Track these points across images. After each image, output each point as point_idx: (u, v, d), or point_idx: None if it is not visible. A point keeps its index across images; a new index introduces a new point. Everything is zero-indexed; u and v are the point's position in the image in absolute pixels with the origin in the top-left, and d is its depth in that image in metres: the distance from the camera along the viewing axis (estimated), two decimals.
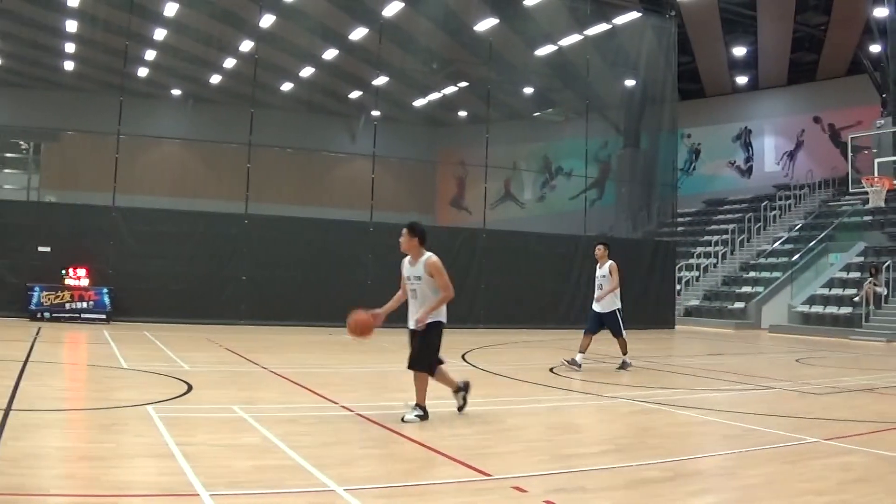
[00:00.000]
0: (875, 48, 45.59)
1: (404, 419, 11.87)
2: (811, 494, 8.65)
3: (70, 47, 44.68)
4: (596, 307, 20.44)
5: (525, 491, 8.35)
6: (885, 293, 36.83)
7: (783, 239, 47.13)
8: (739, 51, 49.35)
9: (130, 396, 13.80)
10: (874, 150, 40.92)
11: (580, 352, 19.88)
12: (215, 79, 47.90)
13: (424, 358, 12.40)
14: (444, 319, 12.56)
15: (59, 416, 11.80)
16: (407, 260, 12.72)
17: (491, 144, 38.02)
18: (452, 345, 24.77)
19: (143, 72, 46.62)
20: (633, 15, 40.99)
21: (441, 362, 12.61)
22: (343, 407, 13.02)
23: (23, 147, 57.65)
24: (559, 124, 54.31)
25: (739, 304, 42.18)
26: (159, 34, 40.38)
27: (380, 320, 12.50)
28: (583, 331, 20.46)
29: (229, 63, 44.25)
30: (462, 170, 55.10)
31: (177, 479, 8.40)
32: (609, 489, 8.70)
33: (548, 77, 47.79)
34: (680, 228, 52.93)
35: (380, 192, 36.44)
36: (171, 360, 19.13)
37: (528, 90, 50.20)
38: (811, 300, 39.96)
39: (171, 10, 36.73)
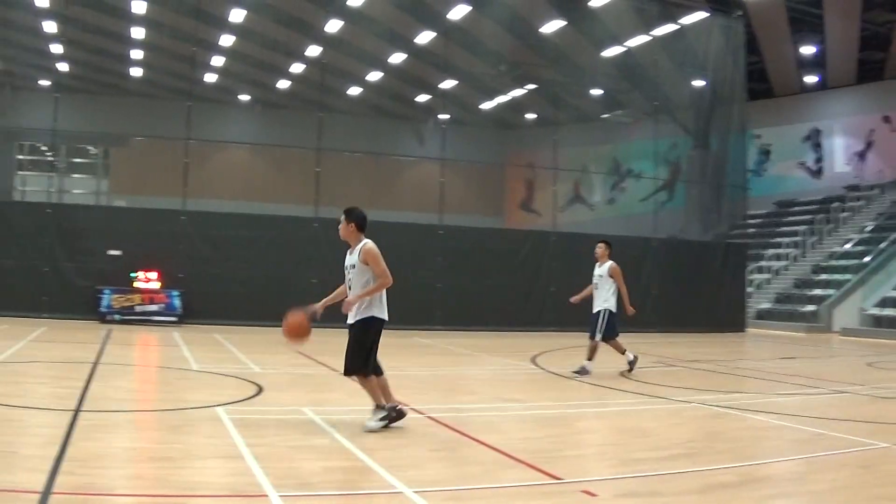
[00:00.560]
0: None
1: (366, 428, 11.29)
2: (883, 500, 8.54)
3: (138, 54, 45.01)
4: (594, 305, 19.62)
5: (595, 495, 8.30)
6: None
7: (854, 241, 46.50)
8: (807, 50, 48.69)
9: (200, 398, 13.87)
10: None
11: (622, 353, 19.45)
12: (283, 84, 48.07)
13: (356, 359, 11.63)
14: (381, 315, 11.84)
15: (128, 417, 11.88)
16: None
17: (560, 147, 37.91)
18: (522, 348, 24.82)
19: (211, 77, 46.87)
20: (700, 15, 40.63)
21: (378, 372, 11.87)
22: (414, 409, 12.99)
23: (92, 152, 58.16)
24: (628, 126, 54.01)
25: (811, 307, 41.57)
26: (226, 40, 40.56)
27: (316, 315, 12.22)
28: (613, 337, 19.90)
29: (297, 68, 44.40)
30: (531, 172, 54.92)
31: (246, 479, 8.44)
32: (680, 493, 8.61)
33: (615, 78, 47.54)
34: (751, 230, 52.35)
35: (448, 196, 36.40)
36: (242, 363, 19.24)
37: (596, 92, 49.96)
38: (883, 303, 39.27)
39: (237, 16, 36.90)
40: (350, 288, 11.91)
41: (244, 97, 52.70)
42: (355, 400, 13.98)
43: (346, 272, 12.03)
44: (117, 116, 50.50)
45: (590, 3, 36.97)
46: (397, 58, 41.50)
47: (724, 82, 42.84)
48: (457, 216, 38.50)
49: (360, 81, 47.07)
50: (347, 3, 34.39)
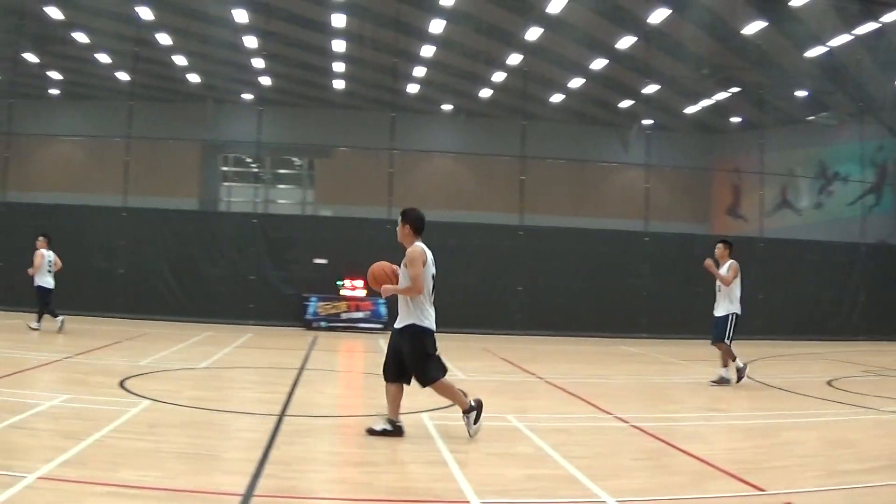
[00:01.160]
0: None
1: (470, 433, 11.11)
2: None
3: (340, 67, 45.57)
4: (715, 311, 18.88)
5: None
6: None
7: None
8: None
9: (405, 404, 13.96)
10: None
11: (724, 366, 18.50)
12: (485, 93, 48.18)
13: (423, 373, 11.45)
14: (422, 324, 11.54)
15: (332, 422, 12.07)
16: None
17: (765, 150, 37.29)
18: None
19: (413, 88, 47.20)
20: None
21: (403, 379, 11.61)
22: (617, 418, 12.94)
23: (297, 163, 59.18)
24: (833, 128, 52.73)
25: None
26: (427, 51, 40.80)
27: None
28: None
29: (498, 77, 44.46)
30: (736, 177, 53.99)
31: (448, 486, 8.53)
32: None
33: (819, 79, 46.44)
34: None
35: (654, 202, 36.05)
36: (448, 369, 19.35)
37: (801, 94, 48.87)
38: None
39: (437, 26, 37.11)
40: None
41: (447, 107, 52.97)
42: (561, 408, 14.02)
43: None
44: (321, 128, 51.27)
45: (790, 3, 36.20)
46: (598, 63, 41.25)
47: None
48: (662, 223, 38.15)
49: (562, 88, 46.88)
50: (546, 10, 34.28)
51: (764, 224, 36.87)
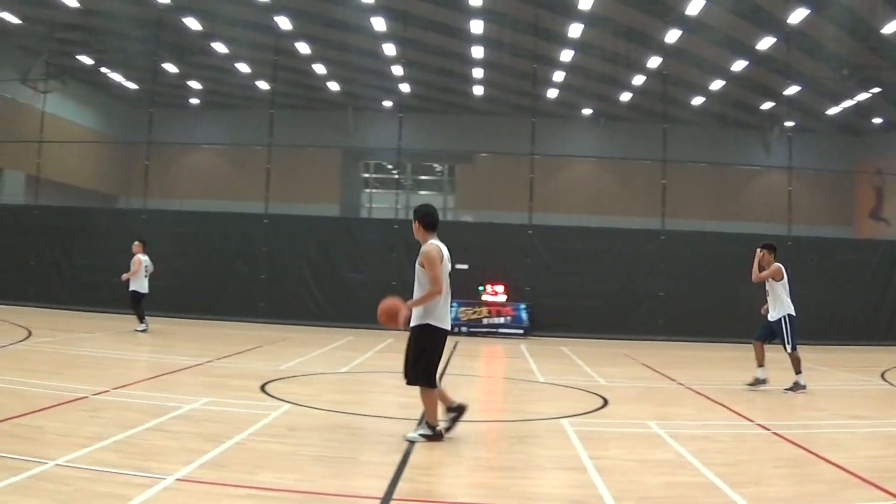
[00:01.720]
0: None
1: (406, 437, 10.81)
2: None
3: (478, 73, 45.66)
4: (769, 315, 18.18)
5: None
6: None
7: None
8: None
9: (545, 410, 14.03)
10: None
11: (797, 372, 17.66)
12: (625, 96, 47.88)
13: (419, 369, 11.03)
14: (437, 324, 11.19)
15: (473, 426, 12.10)
16: None
17: None
18: (871, 362, 24.01)
19: (552, 93, 47.10)
20: None
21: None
22: (758, 425, 12.79)
23: (438, 169, 59.47)
24: None
25: None
26: (566, 55, 40.68)
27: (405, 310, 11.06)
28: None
29: (638, 80, 44.19)
30: (879, 179, 52.93)
31: (587, 492, 8.54)
32: None
33: None
34: None
35: (796, 205, 35.52)
36: (587, 375, 19.34)
37: None
38: None
39: (575, 31, 36.97)
40: (414, 290, 11.29)
41: (587, 111, 52.74)
42: (702, 414, 13.90)
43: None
44: (461, 134, 51.53)
45: None
46: (738, 65, 40.73)
47: None
48: (805, 226, 37.63)
49: (702, 90, 46.40)
50: (685, 12, 33.98)
51: None
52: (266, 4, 36.52)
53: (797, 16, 34.04)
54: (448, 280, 11.27)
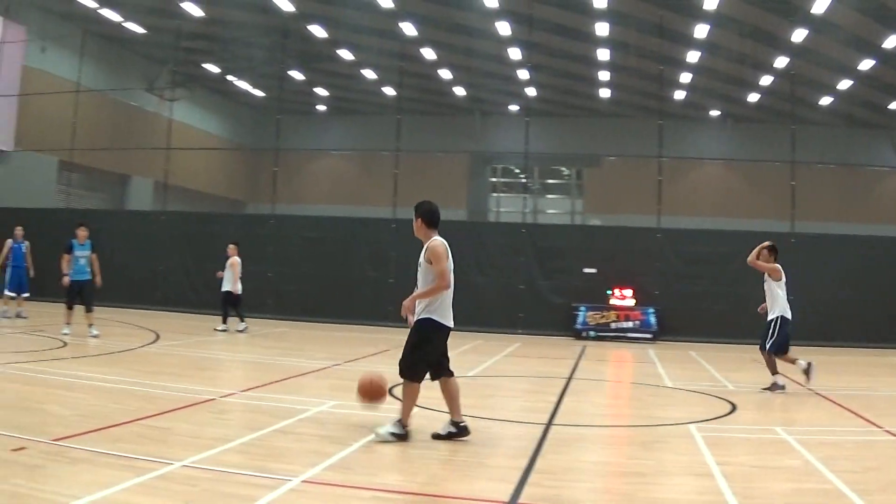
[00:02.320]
0: None
1: (375, 432, 10.65)
2: None
3: (605, 75, 45.46)
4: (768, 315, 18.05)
5: None
6: None
7: None
8: None
9: (673, 415, 13.87)
10: None
11: (774, 373, 17.52)
12: (753, 97, 47.31)
13: (409, 361, 10.85)
14: (440, 320, 10.97)
15: (600, 432, 12.02)
16: None
17: None
18: None
19: (679, 94, 46.75)
20: None
21: (443, 374, 11.22)
22: (887, 431, 12.51)
23: (565, 173, 59.40)
24: None
25: None
26: (692, 56, 40.34)
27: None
28: None
29: (765, 80, 43.62)
30: None
31: (713, 498, 8.48)
32: None
33: None
34: None
35: None
36: (715, 380, 19.14)
37: None
38: None
39: (701, 31, 36.61)
40: (416, 286, 11.23)
41: (714, 112, 52.24)
42: (830, 420, 13.65)
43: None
44: (588, 137, 51.44)
45: None
46: (866, 64, 40.02)
47: None
48: None
49: (830, 90, 45.71)
50: (811, 11, 33.45)
51: None
52: (391, 11, 36.73)
53: None
54: (452, 277, 11.14)
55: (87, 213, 36.74)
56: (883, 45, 36.62)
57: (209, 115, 55.47)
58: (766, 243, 18.74)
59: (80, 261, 22.20)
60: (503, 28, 38.05)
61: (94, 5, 39.82)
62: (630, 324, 30.57)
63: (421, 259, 11.20)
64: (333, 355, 21.14)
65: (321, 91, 54.02)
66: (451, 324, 11.08)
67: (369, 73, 47.69)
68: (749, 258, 18.53)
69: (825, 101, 46.32)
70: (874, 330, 30.03)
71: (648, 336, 30.28)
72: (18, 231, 28.08)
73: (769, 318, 17.89)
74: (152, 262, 34.51)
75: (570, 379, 18.19)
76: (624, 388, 18.73)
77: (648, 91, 42.53)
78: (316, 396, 13.30)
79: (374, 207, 39.79)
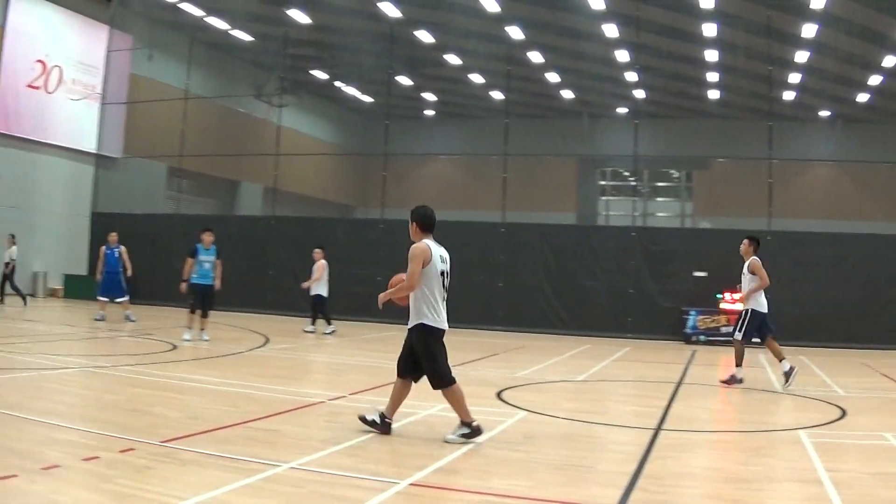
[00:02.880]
0: None
1: (445, 439, 10.64)
2: None
3: (713, 76, 45.12)
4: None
5: None
6: None
7: None
8: None
9: (782, 420, 13.77)
10: None
11: (780, 359, 18.05)
12: (862, 97, 46.67)
13: (435, 371, 10.87)
14: (431, 324, 10.86)
15: (708, 437, 11.94)
16: None
17: None
18: None
19: (788, 95, 46.23)
20: None
21: (410, 375, 11.16)
22: None
23: (675, 176, 59.07)
24: None
25: None
26: (800, 56, 39.86)
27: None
28: None
29: (874, 80, 43.00)
30: None
31: None
32: None
33: None
34: None
35: None
36: (826, 385, 18.89)
37: None
38: None
39: (809, 31, 36.15)
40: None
41: (824, 113, 51.60)
42: None
43: None
44: (697, 139, 51.05)
45: None
46: None
47: None
48: None
49: None
50: None
51: None
52: (497, 15, 36.78)
53: None
54: (442, 281, 11.09)
55: (198, 218, 37.25)
56: None
57: (317, 121, 56.02)
58: (747, 239, 19.23)
59: (205, 265, 22.53)
60: (610, 30, 37.98)
61: (201, 14, 40.46)
62: None
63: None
64: None
65: (428, 96, 54.31)
66: (443, 326, 11.01)
67: (476, 78, 47.82)
68: (756, 285, 18.55)
69: None
70: None
71: (758, 341, 29.89)
72: (112, 237, 28.62)
73: (745, 307, 18.52)
74: (262, 267, 34.92)
75: (679, 384, 18.10)
76: (733, 394, 18.55)
77: (757, 92, 42.06)
78: (425, 400, 13.35)
79: (482, 212, 39.84)
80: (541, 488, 8.61)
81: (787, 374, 17.61)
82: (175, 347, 20.48)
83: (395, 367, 11.20)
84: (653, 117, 50.15)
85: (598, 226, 51.53)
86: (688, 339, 30.16)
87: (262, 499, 7.70)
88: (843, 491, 8.75)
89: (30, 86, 37.82)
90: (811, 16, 34.68)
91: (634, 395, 17.26)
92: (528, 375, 18.49)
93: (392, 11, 37.56)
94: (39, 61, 38.35)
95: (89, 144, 40.73)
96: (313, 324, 27.61)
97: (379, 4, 37.09)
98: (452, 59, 44.54)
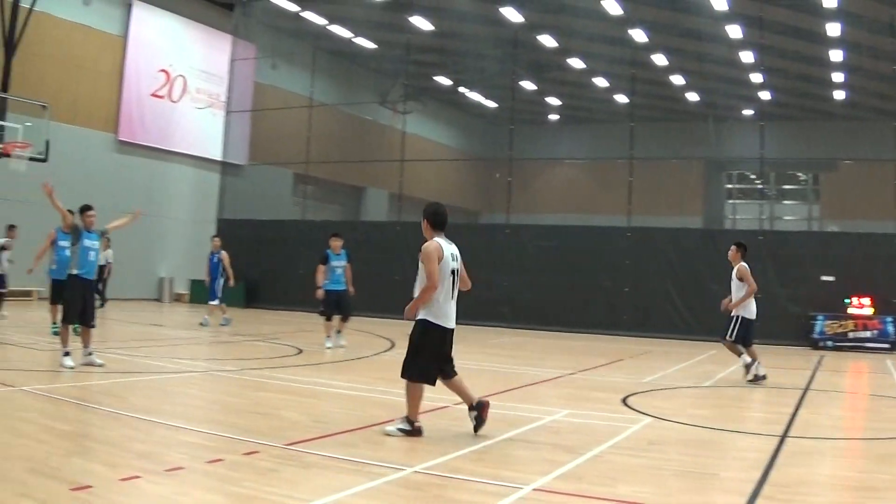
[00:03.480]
0: None
1: (384, 431, 10.77)
2: None
3: (838, 77, 44.46)
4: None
5: None
6: None
7: None
8: None
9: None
10: None
11: (753, 361, 18.42)
12: None
13: (410, 363, 10.98)
14: (435, 321, 10.98)
15: (835, 444, 11.80)
16: None
17: None
18: None
19: None
20: None
21: (445, 375, 11.16)
22: None
23: (801, 178, 58.36)
24: None
25: None
26: None
27: None
28: None
29: None
30: None
31: None
32: None
33: None
34: None
35: None
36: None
37: None
38: None
39: None
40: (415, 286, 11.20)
41: None
42: None
43: None
44: (824, 141, 50.33)
45: None
46: None
47: None
48: None
49: None
50: None
51: None
52: (621, 18, 36.68)
53: None
54: (452, 279, 11.13)
55: (324, 223, 37.64)
56: None
57: (441, 127, 56.29)
58: (735, 245, 19.14)
59: (337, 271, 22.77)
60: (734, 31, 37.65)
61: (324, 22, 40.90)
62: (868, 333, 29.78)
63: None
64: (568, 364, 21.27)
65: (552, 100, 54.29)
66: (448, 325, 11.12)
67: (600, 81, 47.74)
68: (746, 293, 18.69)
69: None
70: None
71: (886, 346, 29.48)
72: (216, 242, 29.02)
73: (733, 314, 18.61)
74: (389, 272, 35.12)
75: (806, 390, 17.89)
76: (860, 400, 18.32)
77: (883, 92, 41.40)
78: (550, 405, 13.37)
79: (607, 216, 39.73)
80: (666, 495, 8.55)
81: (748, 367, 18.34)
82: (301, 351, 20.75)
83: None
84: (778, 119, 49.57)
85: (725, 229, 50.98)
86: (815, 345, 29.75)
87: (384, 502, 7.80)
88: None
89: (154, 95, 38.67)
90: None
91: (761, 400, 17.08)
92: (654, 381, 18.41)
93: (515, 16, 37.67)
94: (163, 71, 39.19)
95: (215, 152, 41.56)
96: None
97: (501, 10, 37.25)
98: (576, 63, 44.52)
